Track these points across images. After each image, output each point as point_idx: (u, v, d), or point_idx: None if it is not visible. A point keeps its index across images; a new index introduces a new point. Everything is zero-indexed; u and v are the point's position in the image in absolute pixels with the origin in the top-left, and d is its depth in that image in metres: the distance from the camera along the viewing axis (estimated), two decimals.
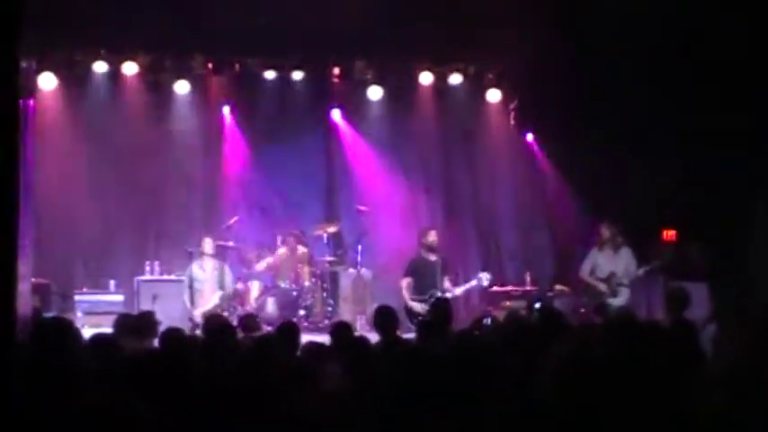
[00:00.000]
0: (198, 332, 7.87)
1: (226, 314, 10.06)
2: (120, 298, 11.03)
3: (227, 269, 10.53)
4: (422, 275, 10.13)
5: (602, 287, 10.14)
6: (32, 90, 11.14)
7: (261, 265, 10.82)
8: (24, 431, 2.71)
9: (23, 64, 6.98)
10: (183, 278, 10.63)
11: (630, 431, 2.09)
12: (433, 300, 9.74)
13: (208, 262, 10.33)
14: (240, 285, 10.61)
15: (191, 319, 9.93)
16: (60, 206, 11.68)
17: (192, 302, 10.19)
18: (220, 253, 11.03)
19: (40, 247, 11.45)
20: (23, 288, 5.79)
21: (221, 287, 10.21)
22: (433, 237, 10.33)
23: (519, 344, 5.05)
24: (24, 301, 5.97)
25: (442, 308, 7.52)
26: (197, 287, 10.23)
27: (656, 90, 11.23)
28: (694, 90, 10.86)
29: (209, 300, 10.23)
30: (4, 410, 2.54)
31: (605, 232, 10.28)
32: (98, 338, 4.98)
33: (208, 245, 10.38)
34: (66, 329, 4.33)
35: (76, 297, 10.96)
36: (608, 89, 11.43)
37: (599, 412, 2.11)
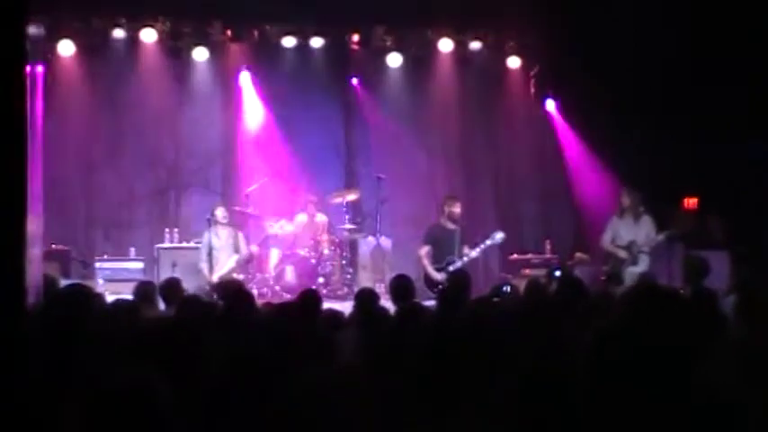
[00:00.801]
0: (215, 297, 7.88)
1: (242, 277, 10.11)
2: (140, 265, 11.09)
3: (240, 235, 10.56)
4: (440, 244, 10.10)
5: (623, 254, 10.07)
6: (45, 56, 11.15)
7: (274, 229, 10.81)
8: (38, 401, 2.71)
9: (34, 30, 6.95)
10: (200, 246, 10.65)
11: (653, 401, 2.08)
12: (450, 267, 9.75)
13: (222, 230, 10.36)
14: (255, 249, 10.61)
15: (209, 284, 9.96)
16: (80, 173, 11.76)
17: (210, 269, 10.23)
18: (239, 219, 11.05)
19: (61, 214, 11.56)
20: (35, 253, 5.83)
21: (236, 251, 10.26)
22: (457, 207, 10.28)
23: (538, 312, 5.03)
24: (36, 266, 5.99)
25: (459, 279, 7.51)
26: (214, 254, 10.27)
27: (679, 57, 11.09)
28: (721, 58, 10.71)
29: (224, 265, 10.27)
30: (15, 379, 2.55)
31: (625, 200, 10.19)
32: (118, 305, 5.00)
33: (221, 212, 10.40)
34: (85, 296, 4.33)
35: (97, 264, 11.03)
36: (630, 56, 11.31)
37: (626, 382, 2.10)
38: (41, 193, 10.73)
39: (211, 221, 10.45)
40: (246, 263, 10.51)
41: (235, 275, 10.11)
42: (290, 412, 2.76)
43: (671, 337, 2.17)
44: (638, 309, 2.85)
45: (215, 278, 10.13)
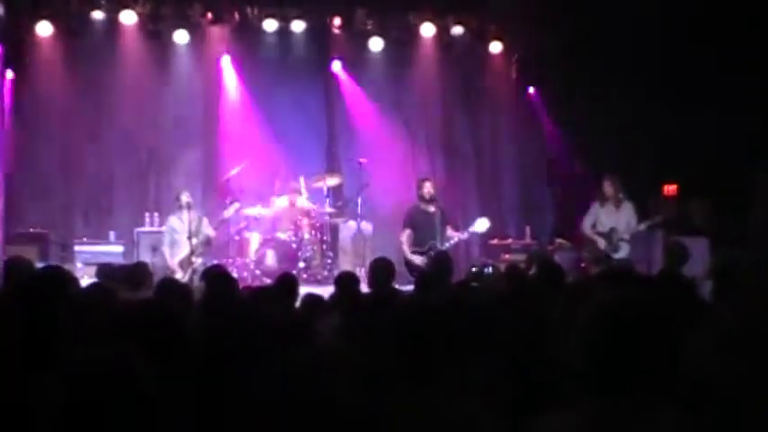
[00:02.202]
0: (196, 280, 7.85)
1: (200, 260, 10.05)
2: (119, 249, 11.05)
3: (205, 219, 10.49)
4: (421, 227, 10.07)
5: (602, 243, 10.08)
6: (21, 36, 11.07)
7: (229, 212, 10.72)
8: (15, 379, 2.69)
9: None
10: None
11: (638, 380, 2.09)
12: (431, 252, 9.72)
13: (185, 214, 10.32)
14: (213, 233, 10.55)
15: (169, 268, 9.95)
16: (59, 156, 11.67)
17: (172, 254, 10.22)
18: (218, 203, 11.02)
19: (40, 197, 11.50)
20: None
21: (194, 235, 10.22)
22: (428, 188, 10.22)
23: (517, 295, 5.04)
24: None
25: (442, 260, 7.50)
26: (176, 238, 10.26)
27: (660, 45, 11.13)
28: (701, 46, 10.75)
29: (183, 249, 10.24)
30: None
31: (608, 188, 10.17)
32: (92, 289, 4.96)
33: (185, 198, 10.36)
34: (61, 279, 4.29)
35: (76, 248, 10.97)
36: (611, 43, 11.33)
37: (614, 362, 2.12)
38: (9, 173, 10.71)
39: (173, 207, 10.43)
40: (205, 246, 10.44)
41: (195, 259, 10.03)
42: (270, 394, 2.76)
43: (650, 322, 2.18)
44: (617, 291, 2.85)
45: (175, 261, 10.12)
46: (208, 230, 10.44)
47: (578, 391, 2.16)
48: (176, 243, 10.28)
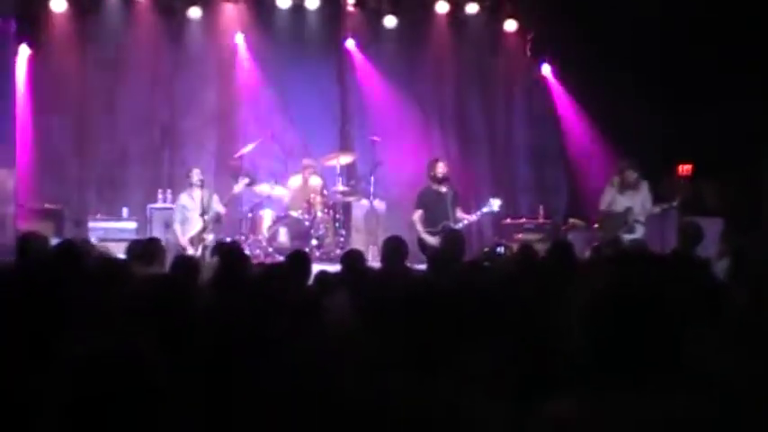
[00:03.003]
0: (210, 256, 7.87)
1: (211, 237, 10.12)
2: (133, 225, 11.10)
3: (215, 196, 10.56)
4: (433, 208, 10.07)
5: (619, 222, 10.01)
6: (35, 13, 11.08)
7: (239, 187, 10.76)
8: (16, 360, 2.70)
9: None
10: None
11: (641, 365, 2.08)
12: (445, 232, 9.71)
13: (196, 191, 10.39)
14: (223, 209, 10.62)
15: (180, 246, 10.03)
16: (74, 132, 11.72)
17: (183, 231, 10.30)
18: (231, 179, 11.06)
19: (54, 173, 11.56)
20: (9, 211, 5.79)
21: (205, 212, 10.30)
22: (441, 168, 10.20)
23: (530, 276, 5.04)
24: (10, 223, 5.97)
25: (454, 239, 7.49)
26: (187, 215, 10.35)
27: (676, 22, 11.03)
28: (722, 24, 10.65)
29: (195, 226, 10.31)
30: None
31: (630, 175, 10.09)
32: (106, 264, 4.98)
33: (196, 175, 10.44)
34: (75, 253, 4.32)
35: (90, 224, 11.02)
36: (627, 20, 11.24)
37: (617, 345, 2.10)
38: (28, 150, 10.77)
39: (185, 184, 10.50)
40: (216, 222, 10.51)
41: (206, 235, 10.10)
42: (279, 382, 2.77)
43: (661, 302, 2.16)
44: (627, 271, 2.84)
45: (186, 238, 10.19)
46: (218, 207, 10.50)
47: (582, 376, 2.15)
48: (187, 220, 10.35)
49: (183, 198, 10.50)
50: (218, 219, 10.54)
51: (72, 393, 2.13)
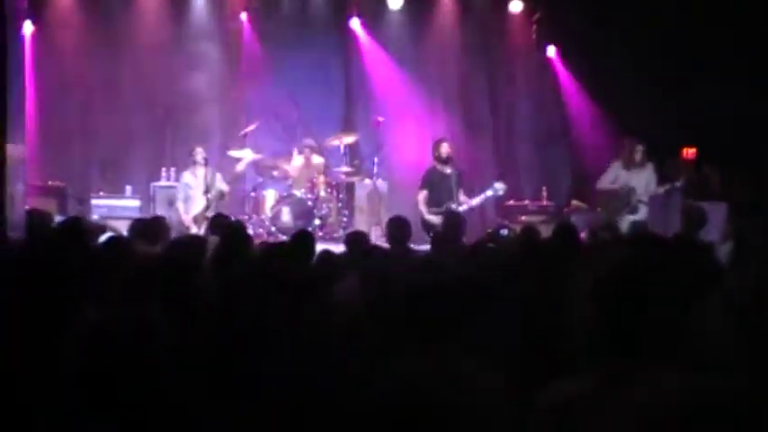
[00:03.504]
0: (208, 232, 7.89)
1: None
2: (136, 203, 11.10)
3: (218, 175, 10.61)
4: (437, 188, 10.08)
5: (621, 192, 10.00)
6: None
7: (241, 166, 10.82)
8: (26, 331, 2.72)
9: None
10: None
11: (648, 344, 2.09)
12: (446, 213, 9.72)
13: (200, 170, 10.45)
14: (226, 188, 10.65)
15: (183, 224, 10.08)
16: (77, 111, 11.70)
17: (186, 209, 10.33)
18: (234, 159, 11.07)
19: (57, 151, 11.55)
20: (18, 188, 5.81)
21: (209, 190, 10.34)
22: (445, 149, 10.22)
23: (533, 257, 5.04)
24: (20, 201, 5.97)
25: (454, 221, 7.51)
26: (190, 194, 10.40)
27: (682, 5, 10.98)
28: (724, 10, 10.60)
29: (198, 204, 10.35)
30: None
31: (638, 154, 10.07)
32: (112, 241, 4.99)
33: (199, 154, 10.50)
34: (80, 231, 4.33)
35: (93, 201, 11.02)
36: (632, 4, 11.19)
37: (621, 325, 2.11)
38: (29, 127, 10.76)
39: (188, 162, 10.53)
40: (219, 200, 10.54)
41: (209, 214, 10.14)
42: (285, 349, 2.78)
43: (665, 283, 2.17)
44: (633, 254, 2.84)
45: (189, 217, 10.25)
46: (221, 185, 10.52)
47: (586, 356, 2.16)
48: (190, 198, 10.38)
49: (187, 176, 10.53)
50: (221, 196, 10.57)
51: (86, 360, 2.15)
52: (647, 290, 2.14)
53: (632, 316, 2.12)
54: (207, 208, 10.17)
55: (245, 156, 10.87)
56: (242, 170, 10.83)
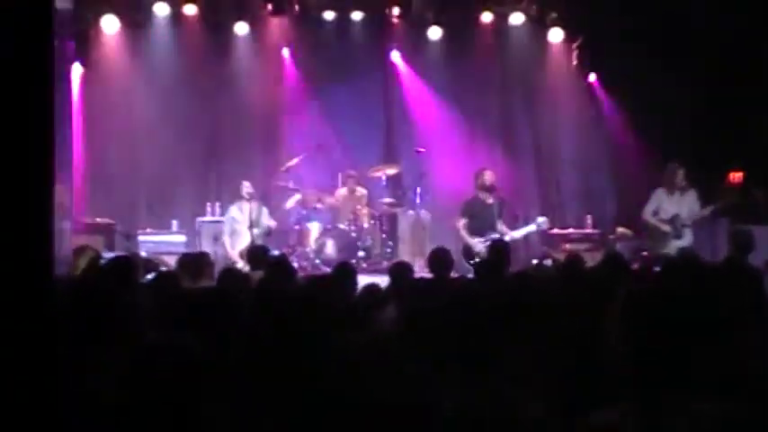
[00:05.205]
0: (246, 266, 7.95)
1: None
2: (182, 238, 11.21)
3: (264, 209, 10.70)
4: (478, 217, 10.07)
5: (666, 228, 9.94)
6: (85, 31, 11.28)
7: (290, 203, 10.94)
8: (74, 368, 2.77)
9: (63, 4, 7.03)
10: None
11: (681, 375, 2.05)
12: (489, 242, 9.71)
13: (246, 204, 10.53)
14: (274, 223, 10.73)
15: (229, 259, 10.15)
16: (124, 147, 11.90)
17: (232, 244, 10.41)
18: (279, 192, 11.15)
19: (105, 187, 11.75)
20: (65, 226, 5.95)
21: (255, 225, 10.42)
22: (488, 177, 10.22)
23: (579, 286, 5.00)
24: (65, 238, 6.10)
25: (500, 249, 7.47)
26: (236, 228, 10.49)
27: (725, 29, 10.89)
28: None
29: (244, 239, 10.42)
30: (46, 351, 2.60)
31: (679, 178, 9.98)
32: (159, 277, 5.07)
33: (245, 188, 10.59)
34: (128, 268, 4.40)
35: (140, 237, 11.16)
36: (675, 27, 11.13)
37: (658, 353, 2.07)
38: (78, 165, 10.97)
39: (234, 197, 10.64)
40: (266, 236, 10.62)
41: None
42: (324, 376, 2.79)
43: (704, 308, 2.13)
44: (671, 277, 2.81)
45: (235, 251, 10.33)
46: (268, 221, 10.61)
47: (627, 385, 2.13)
48: (237, 233, 10.47)
49: (233, 211, 10.64)
50: (268, 233, 10.66)
51: (132, 388, 2.19)
52: (675, 317, 2.10)
53: (667, 343, 2.09)
54: (252, 243, 10.24)
55: (295, 196, 10.99)
56: (290, 207, 10.94)
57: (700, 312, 2.10)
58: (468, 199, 10.26)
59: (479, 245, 9.78)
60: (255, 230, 10.34)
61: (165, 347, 2.33)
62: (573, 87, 12.57)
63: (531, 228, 10.29)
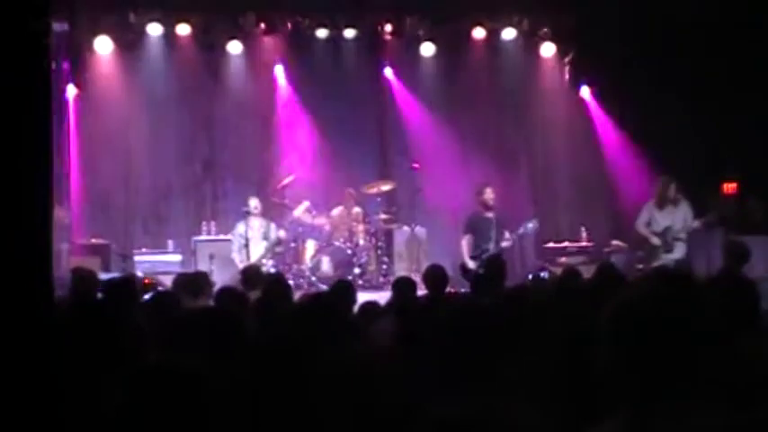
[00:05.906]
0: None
1: (270, 263, 10.23)
2: (178, 258, 11.21)
3: (272, 225, 10.71)
4: (480, 232, 10.10)
5: (656, 241, 9.97)
6: (79, 52, 11.32)
7: (299, 211, 10.92)
8: (75, 390, 2.78)
9: (59, 26, 7.09)
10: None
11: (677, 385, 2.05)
12: (483, 256, 9.75)
13: (254, 220, 10.57)
14: (283, 234, 10.74)
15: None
16: (119, 168, 11.91)
17: (241, 259, 10.44)
18: (275, 210, 11.18)
19: (101, 208, 11.76)
20: (63, 247, 5.98)
21: (265, 238, 10.47)
22: (489, 193, 10.26)
23: (574, 299, 5.02)
24: (63, 259, 6.13)
25: (496, 263, 7.51)
26: (245, 244, 10.48)
27: (717, 40, 10.96)
28: (761, 41, 10.57)
29: (253, 254, 10.45)
30: (45, 373, 2.61)
31: (671, 192, 10.01)
32: (158, 297, 5.08)
33: (254, 203, 10.60)
34: (129, 289, 4.41)
35: (136, 257, 11.16)
36: (667, 40, 11.20)
37: (647, 363, 2.07)
38: (75, 187, 10.99)
39: (243, 213, 10.65)
40: (276, 246, 10.64)
41: (264, 261, 10.25)
42: (322, 390, 2.80)
43: (696, 316, 2.12)
44: (655, 287, 2.80)
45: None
46: (277, 233, 10.64)
47: (618, 398, 2.11)
48: (245, 248, 10.46)
49: (240, 227, 10.65)
50: (278, 243, 10.70)
51: (133, 407, 2.20)
52: (665, 324, 2.08)
53: (644, 358, 2.05)
54: (263, 257, 10.32)
55: (304, 203, 11.02)
56: (299, 215, 10.97)
57: (690, 319, 2.10)
58: (471, 215, 10.30)
59: (471, 263, 9.83)
60: (265, 243, 10.42)
61: (169, 369, 2.34)
62: (565, 101, 12.63)
63: (521, 231, 10.29)
